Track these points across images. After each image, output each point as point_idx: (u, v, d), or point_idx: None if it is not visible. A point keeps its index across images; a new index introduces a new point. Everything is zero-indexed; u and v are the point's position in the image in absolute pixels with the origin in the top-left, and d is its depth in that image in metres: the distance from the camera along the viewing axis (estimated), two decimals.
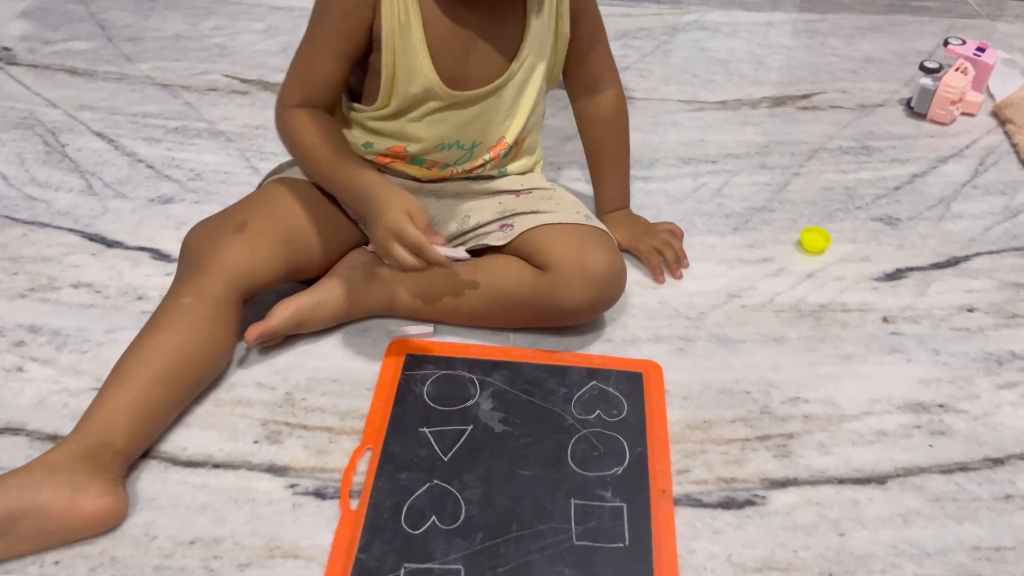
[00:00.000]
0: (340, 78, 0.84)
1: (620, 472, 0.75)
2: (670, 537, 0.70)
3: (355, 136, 0.87)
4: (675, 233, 0.99)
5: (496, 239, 0.86)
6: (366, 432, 0.77)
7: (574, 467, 0.75)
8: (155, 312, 0.78)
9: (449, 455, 0.75)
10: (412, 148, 0.86)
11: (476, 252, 0.88)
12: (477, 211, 0.89)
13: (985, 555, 0.70)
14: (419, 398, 0.80)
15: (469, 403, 0.80)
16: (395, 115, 0.84)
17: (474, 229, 0.88)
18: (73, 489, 0.66)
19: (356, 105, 0.87)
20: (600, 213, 0.99)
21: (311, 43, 0.83)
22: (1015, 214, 1.08)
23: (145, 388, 0.72)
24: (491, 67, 0.84)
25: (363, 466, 0.74)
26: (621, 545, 0.69)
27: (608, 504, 0.72)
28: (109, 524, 0.68)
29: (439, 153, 0.87)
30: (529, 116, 0.89)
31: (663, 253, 0.96)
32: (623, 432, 0.78)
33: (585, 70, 0.93)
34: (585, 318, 0.86)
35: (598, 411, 0.80)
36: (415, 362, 0.83)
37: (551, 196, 0.89)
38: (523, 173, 0.94)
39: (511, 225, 0.86)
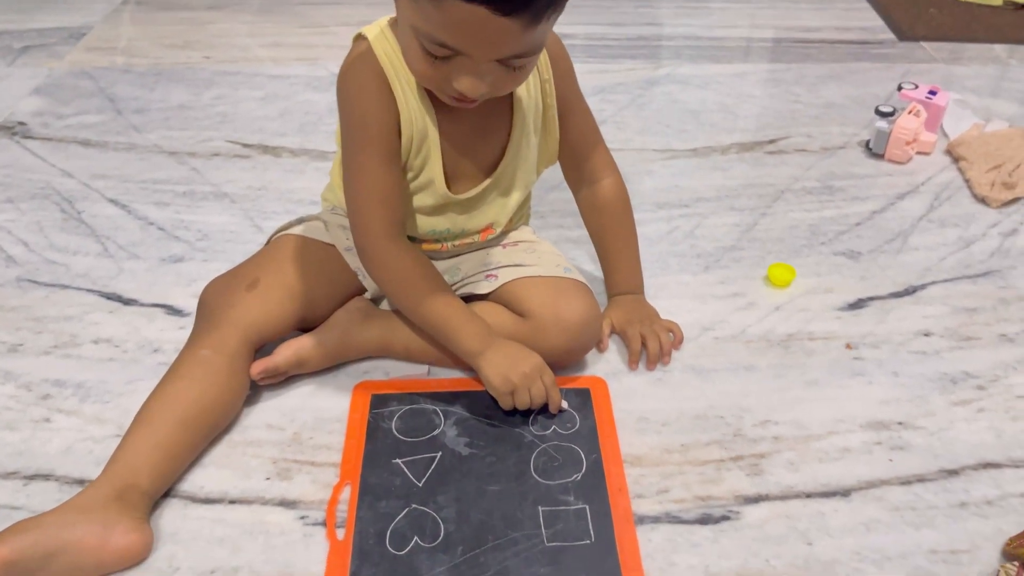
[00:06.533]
0: (402, 176, 0.87)
1: (579, 478, 0.82)
2: (630, 530, 0.77)
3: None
4: (673, 332, 0.97)
5: (482, 288, 0.93)
6: (343, 468, 0.83)
7: (537, 478, 0.82)
8: (175, 363, 0.85)
9: (423, 480, 0.82)
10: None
11: (463, 299, 0.95)
12: (466, 262, 0.97)
13: (942, 558, 0.76)
14: (389, 433, 0.86)
15: (435, 432, 0.86)
16: None
17: (463, 279, 0.96)
18: (104, 527, 0.72)
19: None
20: (609, 295, 1.02)
21: (365, 161, 0.83)
22: (968, 244, 1.16)
23: (168, 433, 0.79)
24: (480, 170, 0.90)
25: (346, 499, 0.80)
26: (588, 542, 0.76)
27: (572, 507, 0.79)
28: (136, 559, 0.74)
29: (429, 235, 0.93)
30: (517, 208, 0.96)
31: (647, 342, 0.95)
32: (578, 442, 0.85)
33: (580, 164, 0.97)
34: (562, 363, 0.92)
35: (553, 426, 0.87)
36: (381, 400, 0.90)
37: (534, 250, 0.96)
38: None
39: (495, 276, 0.93)
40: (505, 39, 0.71)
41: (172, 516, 0.79)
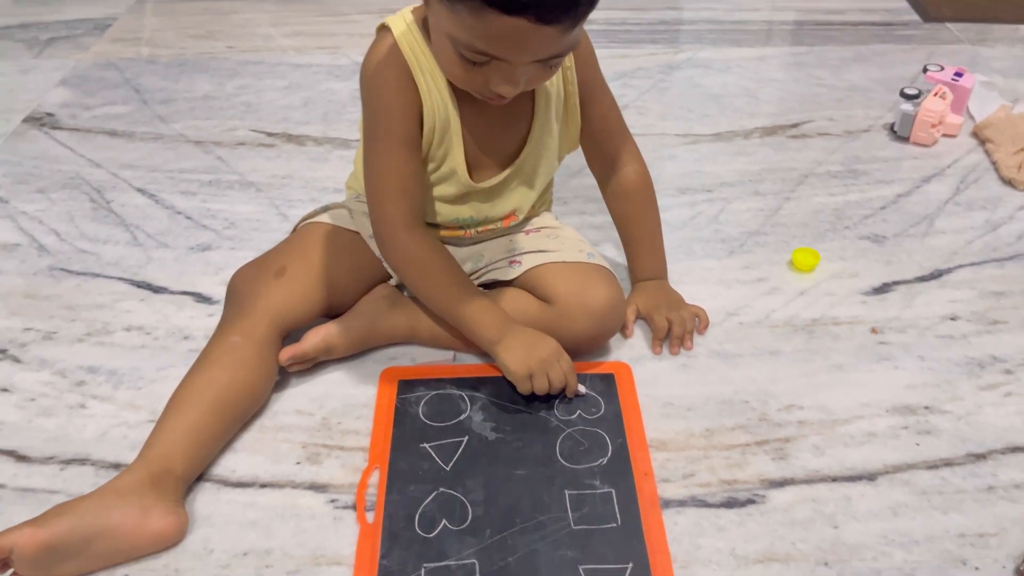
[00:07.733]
0: (422, 167, 0.88)
1: (605, 462, 0.83)
2: (656, 514, 0.78)
3: None
4: (699, 317, 0.98)
5: (505, 274, 0.94)
6: (372, 453, 0.84)
7: (564, 462, 0.83)
8: (205, 349, 0.86)
9: (451, 465, 0.83)
10: (427, 218, 0.93)
11: (487, 285, 0.96)
12: (490, 249, 0.97)
13: (969, 541, 0.76)
14: (416, 418, 0.88)
15: (462, 417, 0.87)
16: None
17: (487, 265, 0.96)
18: (141, 511, 0.74)
19: None
20: (633, 282, 1.02)
21: (385, 151, 0.84)
22: (995, 227, 1.15)
23: (200, 419, 0.80)
24: (502, 158, 0.90)
25: (375, 482, 0.81)
26: (614, 525, 0.77)
27: (598, 491, 0.80)
28: (172, 541, 0.76)
29: (453, 223, 0.94)
30: (539, 195, 0.96)
31: (673, 326, 0.96)
32: (603, 427, 0.86)
33: (603, 151, 0.98)
34: (587, 348, 0.92)
35: (579, 411, 0.88)
36: (407, 386, 0.91)
37: (557, 235, 0.97)
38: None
39: (519, 262, 0.93)
40: (545, 44, 0.72)
41: (206, 500, 0.80)
